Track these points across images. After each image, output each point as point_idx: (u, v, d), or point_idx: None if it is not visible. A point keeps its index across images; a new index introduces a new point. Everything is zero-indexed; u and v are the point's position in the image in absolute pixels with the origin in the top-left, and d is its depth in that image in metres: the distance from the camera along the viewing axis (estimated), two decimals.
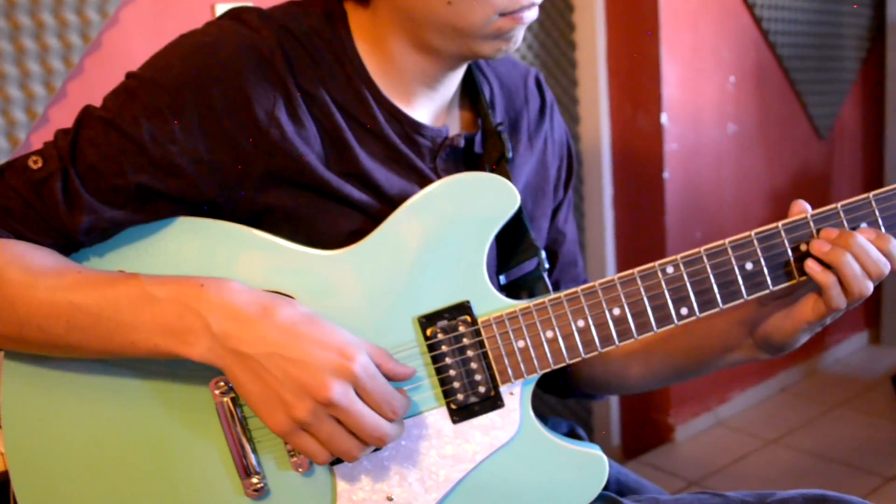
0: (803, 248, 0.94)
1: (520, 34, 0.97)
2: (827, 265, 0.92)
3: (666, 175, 2.61)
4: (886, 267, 0.93)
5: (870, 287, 0.93)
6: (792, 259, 0.94)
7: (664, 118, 2.57)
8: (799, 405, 3.02)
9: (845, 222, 0.94)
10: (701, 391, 2.85)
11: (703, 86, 2.69)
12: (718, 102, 2.74)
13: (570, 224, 1.25)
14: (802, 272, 0.94)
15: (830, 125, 3.20)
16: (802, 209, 0.95)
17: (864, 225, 0.94)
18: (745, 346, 1.04)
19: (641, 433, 2.80)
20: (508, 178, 1.02)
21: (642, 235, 2.69)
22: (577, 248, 1.26)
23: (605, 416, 2.80)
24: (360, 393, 0.87)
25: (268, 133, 0.92)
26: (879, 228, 0.94)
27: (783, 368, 3.13)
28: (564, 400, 2.60)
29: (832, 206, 0.94)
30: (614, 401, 2.82)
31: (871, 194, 0.94)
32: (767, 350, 1.02)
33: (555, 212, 1.21)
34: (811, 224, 0.94)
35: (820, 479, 2.50)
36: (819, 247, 0.93)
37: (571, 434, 1.18)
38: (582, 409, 2.80)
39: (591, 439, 2.78)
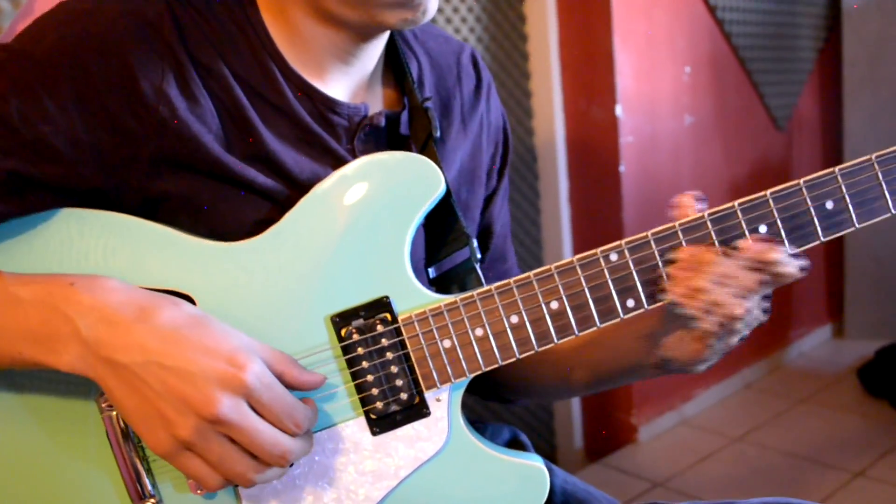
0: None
1: (429, 2, 0.87)
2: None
3: (622, 168, 2.54)
4: (767, 280, 0.81)
5: (743, 303, 0.80)
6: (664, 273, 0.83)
7: (619, 110, 2.51)
8: (764, 401, 2.98)
9: (744, 223, 0.83)
10: (664, 389, 2.80)
11: (658, 77, 2.64)
12: (674, 93, 2.69)
13: (503, 216, 1.14)
14: None
15: (788, 115, 3.16)
16: (693, 209, 0.83)
17: (762, 228, 0.84)
18: (652, 362, 0.93)
19: (604, 434, 2.72)
20: (435, 159, 0.92)
21: (600, 231, 2.62)
22: (507, 242, 1.15)
23: (567, 418, 2.73)
24: (255, 406, 0.76)
25: (156, 110, 0.82)
26: (778, 231, 0.83)
27: (747, 364, 3.11)
28: (509, 406, 2.47)
29: (729, 204, 0.83)
30: (576, 401, 2.76)
31: (769, 192, 0.83)
32: (670, 369, 0.91)
33: (487, 202, 1.10)
34: (679, 234, 0.83)
35: (787, 476, 2.46)
36: (672, 272, 0.82)
37: (513, 442, 1.09)
38: (543, 411, 2.72)
39: (554, 443, 2.74)
